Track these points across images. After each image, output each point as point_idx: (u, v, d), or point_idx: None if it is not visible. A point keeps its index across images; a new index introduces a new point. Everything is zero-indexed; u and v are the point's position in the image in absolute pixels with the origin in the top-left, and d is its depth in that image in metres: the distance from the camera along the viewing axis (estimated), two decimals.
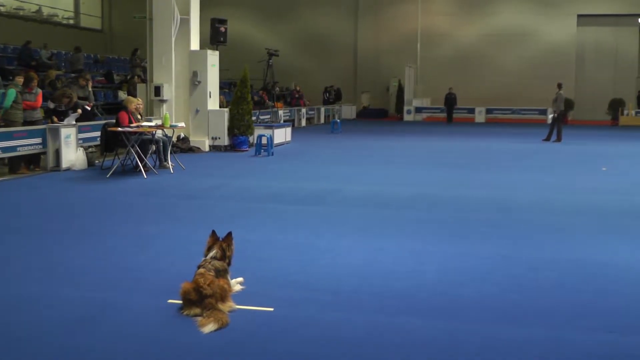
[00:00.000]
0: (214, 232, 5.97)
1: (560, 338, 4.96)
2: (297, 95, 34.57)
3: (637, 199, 11.63)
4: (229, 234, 5.99)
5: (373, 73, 42.39)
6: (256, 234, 8.33)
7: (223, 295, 5.37)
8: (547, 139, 24.28)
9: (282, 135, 21.22)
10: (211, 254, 5.77)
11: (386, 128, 31.43)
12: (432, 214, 10.01)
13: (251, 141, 19.50)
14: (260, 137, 18.26)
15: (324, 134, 27.11)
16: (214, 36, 20.21)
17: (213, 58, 19.23)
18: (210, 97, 19.04)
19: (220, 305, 5.27)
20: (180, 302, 5.43)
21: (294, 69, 40.88)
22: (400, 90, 40.42)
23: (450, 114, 36.39)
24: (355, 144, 22.15)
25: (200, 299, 5.25)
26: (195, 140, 18.91)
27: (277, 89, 33.36)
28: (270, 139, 18.30)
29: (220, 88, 21.33)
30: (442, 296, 5.96)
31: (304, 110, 32.57)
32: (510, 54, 40.86)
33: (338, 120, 29.60)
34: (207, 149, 18.96)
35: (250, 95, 19.85)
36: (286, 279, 6.38)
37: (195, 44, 19.18)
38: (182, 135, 18.42)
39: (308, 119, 33.13)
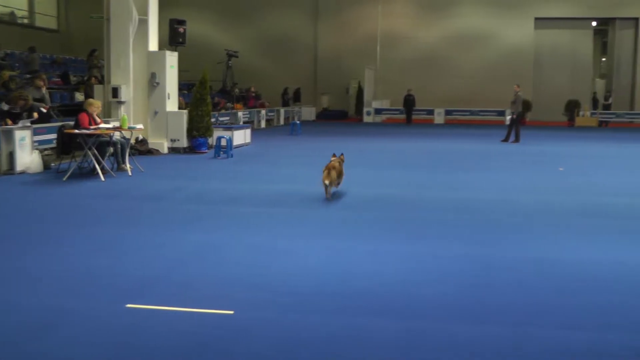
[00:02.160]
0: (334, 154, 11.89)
1: (518, 335, 5.04)
2: (253, 96, 34.44)
3: (592, 198, 11.85)
4: (342, 154, 12.13)
5: (333, 74, 42.48)
6: (216, 236, 8.31)
7: (340, 175, 11.64)
8: (506, 139, 24.61)
9: (241, 137, 21.16)
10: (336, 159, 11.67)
11: (346, 130, 31.55)
12: (392, 214, 10.08)
13: (210, 143, 19.42)
14: (219, 139, 18.21)
15: (283, 135, 27.11)
16: (173, 37, 20.10)
17: (172, 59, 19.12)
18: (169, 98, 18.93)
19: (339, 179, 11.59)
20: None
21: (254, 70, 40.79)
22: (360, 91, 40.60)
23: (409, 115, 36.65)
24: (315, 146, 22.18)
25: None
26: (154, 142, 18.78)
27: (237, 90, 33.28)
28: (230, 140, 18.24)
29: (179, 89, 21.20)
30: (401, 296, 6.01)
31: (263, 111, 32.52)
32: (469, 56, 41.30)
33: (298, 122, 29.68)
34: (165, 151, 18.85)
35: (210, 97, 19.80)
36: (246, 281, 6.36)
37: (153, 45, 19.05)
38: (141, 137, 18.28)
39: (268, 121, 33.08)
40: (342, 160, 12.02)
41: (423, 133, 29.58)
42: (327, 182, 11.08)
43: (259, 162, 17.24)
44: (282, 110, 35.83)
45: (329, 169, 11.23)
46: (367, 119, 39.12)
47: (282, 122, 35.04)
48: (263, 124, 32.01)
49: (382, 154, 18.77)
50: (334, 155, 11.94)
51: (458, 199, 11.59)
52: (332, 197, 11.32)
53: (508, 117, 25.95)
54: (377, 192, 12.28)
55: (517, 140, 24.16)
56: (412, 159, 18.33)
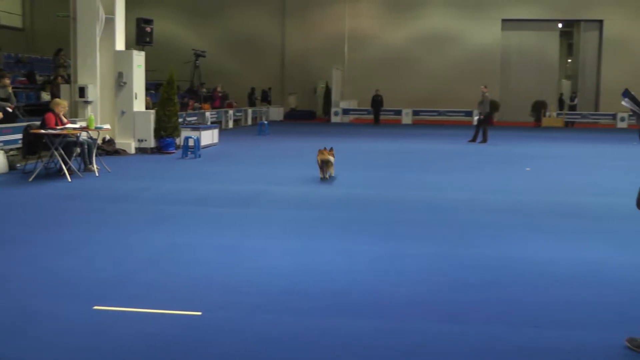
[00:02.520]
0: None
1: (490, 333, 5.07)
2: (220, 96, 34.24)
3: (558, 198, 12.00)
4: (332, 148, 13.94)
5: (300, 75, 42.49)
6: (184, 237, 8.26)
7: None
8: (473, 140, 24.79)
9: (209, 137, 21.07)
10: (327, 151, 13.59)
11: (314, 130, 31.55)
12: (363, 214, 10.09)
13: (178, 143, 19.31)
14: (187, 139, 18.12)
15: (251, 136, 27.05)
16: (140, 36, 19.95)
17: (139, 58, 18.99)
18: (136, 98, 18.79)
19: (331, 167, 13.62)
20: None
21: (222, 70, 40.65)
22: (328, 92, 40.63)
23: (377, 115, 36.77)
24: (283, 146, 22.20)
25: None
26: (121, 142, 18.62)
27: (204, 90, 33.13)
28: (198, 141, 18.15)
29: (147, 89, 21.05)
30: (374, 296, 6.00)
31: (231, 112, 32.41)
32: (437, 57, 41.56)
33: (265, 122, 29.66)
34: (133, 151, 18.70)
35: (177, 97, 19.70)
36: (214, 282, 6.32)
37: (120, 44, 18.90)
38: (108, 137, 18.13)
39: (235, 121, 32.98)
40: (332, 154, 13.90)
41: (391, 133, 29.68)
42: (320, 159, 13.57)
43: (227, 163, 17.19)
44: (249, 111, 35.77)
45: (322, 153, 13.57)
46: (334, 119, 39.19)
47: (249, 122, 34.98)
48: (231, 124, 31.91)
49: (350, 154, 18.79)
50: (325, 149, 13.74)
51: (428, 198, 11.66)
52: (328, 178, 13.51)
53: (476, 118, 26.20)
54: (347, 192, 12.30)
55: (484, 140, 24.34)
56: (381, 160, 18.40)
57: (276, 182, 13.37)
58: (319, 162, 13.59)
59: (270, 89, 40.91)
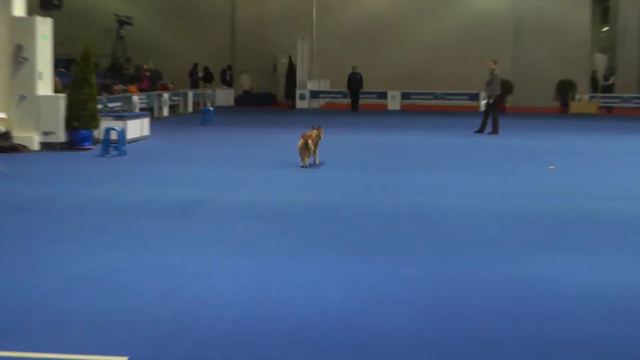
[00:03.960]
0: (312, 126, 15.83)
1: None
2: (148, 76, 33.95)
3: (591, 203, 12.02)
4: (320, 126, 16.32)
5: (256, 48, 42.41)
6: (107, 257, 8.16)
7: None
8: (481, 130, 24.76)
9: (137, 128, 20.96)
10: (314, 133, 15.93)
11: (273, 118, 31.54)
12: (334, 226, 10.11)
13: (96, 136, 19.12)
14: (108, 131, 17.99)
15: (193, 126, 27.03)
16: None
17: (44, 27, 18.76)
18: (40, 79, 18.56)
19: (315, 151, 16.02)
20: None
21: (154, 42, 40.51)
22: (292, 70, 40.35)
23: (355, 99, 36.83)
24: (233, 140, 22.24)
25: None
26: (20, 136, 18.38)
27: (131, 68, 32.96)
28: (122, 133, 18.01)
29: (55, 67, 20.86)
30: (347, 328, 6.02)
31: (166, 95, 32.23)
32: (431, 25, 41.65)
33: (211, 109, 29.65)
34: (36, 147, 18.48)
35: (95, 77, 19.51)
36: (146, 316, 6.25)
37: (19, 9, 18.67)
38: (3, 129, 17.91)
39: (172, 107, 32.86)
40: (320, 134, 16.41)
41: (374, 123, 29.75)
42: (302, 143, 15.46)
43: (160, 161, 17.16)
44: (190, 94, 35.70)
45: (304, 136, 15.48)
46: (300, 104, 39.18)
47: (190, 108, 34.94)
48: (166, 112, 31.78)
49: (321, 150, 18.67)
50: (312, 127, 16.22)
51: (417, 205, 11.71)
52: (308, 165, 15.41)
53: (483, 102, 26.20)
54: (315, 198, 12.32)
55: (495, 131, 24.38)
56: (360, 156, 18.45)
57: (223, 185, 13.40)
58: (298, 148, 15.53)
59: (230, 67, 40.69)
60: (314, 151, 15.87)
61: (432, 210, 11.39)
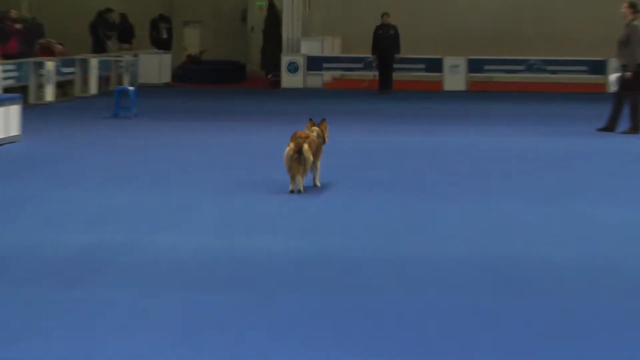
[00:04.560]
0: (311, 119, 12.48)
1: None
2: (18, 30, 26.81)
3: None
4: (323, 120, 12.63)
5: None
6: None
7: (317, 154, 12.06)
8: (609, 127, 19.83)
9: None
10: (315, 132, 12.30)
11: (242, 106, 25.95)
12: (347, 303, 7.36)
13: None
14: None
15: (98, 119, 21.91)
16: None
17: None
18: None
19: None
20: None
21: None
22: (274, 19, 32.52)
23: (386, 72, 29.63)
24: (170, 144, 17.70)
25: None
26: None
27: None
28: None
29: None
30: None
31: (50, 65, 25.85)
32: None
33: (131, 89, 23.14)
34: None
35: None
36: None
37: None
38: None
39: (61, 86, 26.77)
40: (324, 133, 12.41)
41: (418, 113, 24.28)
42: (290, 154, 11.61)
43: (41, 179, 14.03)
44: (93, 62, 28.53)
45: (296, 138, 11.62)
46: (289, 81, 31.25)
47: (94, 89, 28.28)
48: (50, 94, 25.71)
49: (325, 158, 14.28)
50: (311, 122, 12.34)
51: (501, 265, 8.74)
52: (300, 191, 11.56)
53: (614, 77, 21.12)
54: (308, 248, 9.46)
55: (634, 129, 19.50)
56: (391, 173, 14.46)
57: (155, 224, 10.66)
58: (285, 159, 11.65)
59: (164, 16, 32.90)
60: (314, 164, 11.82)
61: (533, 274, 8.30)
